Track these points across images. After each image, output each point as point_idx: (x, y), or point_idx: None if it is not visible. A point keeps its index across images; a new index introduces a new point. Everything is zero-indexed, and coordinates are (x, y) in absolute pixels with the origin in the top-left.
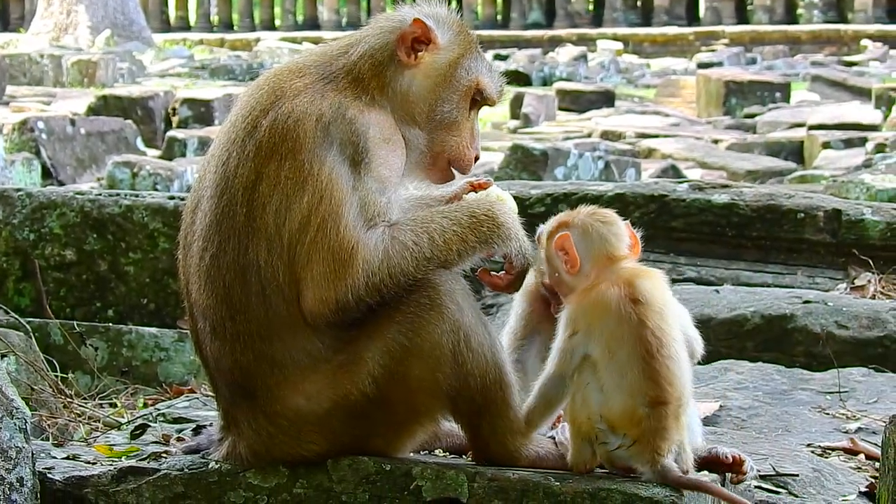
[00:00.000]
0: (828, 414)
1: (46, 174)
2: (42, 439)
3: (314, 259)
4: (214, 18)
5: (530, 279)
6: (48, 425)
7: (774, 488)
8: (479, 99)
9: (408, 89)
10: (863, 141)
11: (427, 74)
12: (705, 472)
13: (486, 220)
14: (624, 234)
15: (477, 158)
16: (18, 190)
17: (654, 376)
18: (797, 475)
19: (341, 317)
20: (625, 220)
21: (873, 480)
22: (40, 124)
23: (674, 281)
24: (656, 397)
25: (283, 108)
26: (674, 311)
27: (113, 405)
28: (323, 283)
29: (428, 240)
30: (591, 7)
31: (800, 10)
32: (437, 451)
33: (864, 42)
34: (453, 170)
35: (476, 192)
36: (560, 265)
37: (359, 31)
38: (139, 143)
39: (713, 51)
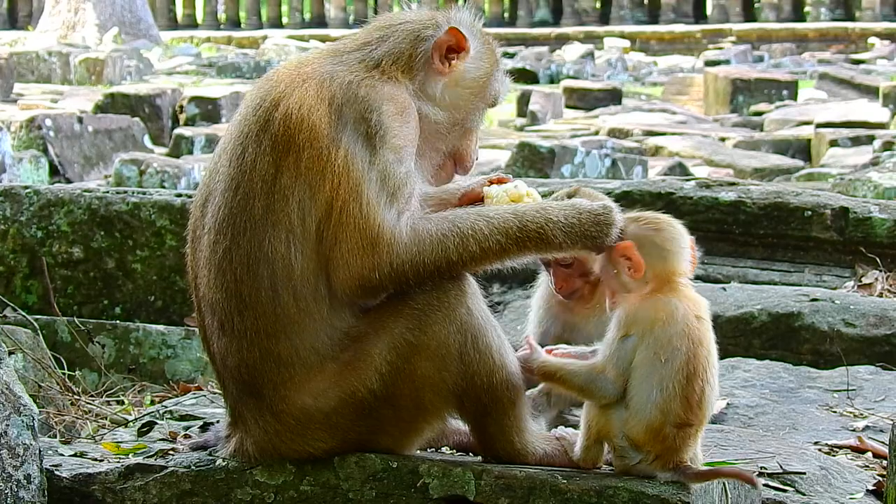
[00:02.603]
0: (835, 412)
1: (54, 172)
2: (49, 436)
3: (341, 238)
4: (222, 16)
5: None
6: (56, 422)
7: (782, 486)
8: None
9: (440, 96)
10: (870, 139)
11: (458, 83)
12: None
13: (535, 236)
14: (687, 250)
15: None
16: (26, 187)
17: (690, 397)
18: (804, 473)
19: (367, 296)
20: (691, 235)
21: (881, 479)
22: (48, 122)
23: None
24: (686, 420)
25: (293, 98)
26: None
27: (120, 402)
28: (350, 259)
29: (458, 240)
30: (598, 5)
31: (807, 8)
32: (443, 449)
33: (872, 40)
34: (452, 173)
35: (498, 186)
36: (622, 267)
37: (375, 30)
38: (146, 140)
39: (720, 48)
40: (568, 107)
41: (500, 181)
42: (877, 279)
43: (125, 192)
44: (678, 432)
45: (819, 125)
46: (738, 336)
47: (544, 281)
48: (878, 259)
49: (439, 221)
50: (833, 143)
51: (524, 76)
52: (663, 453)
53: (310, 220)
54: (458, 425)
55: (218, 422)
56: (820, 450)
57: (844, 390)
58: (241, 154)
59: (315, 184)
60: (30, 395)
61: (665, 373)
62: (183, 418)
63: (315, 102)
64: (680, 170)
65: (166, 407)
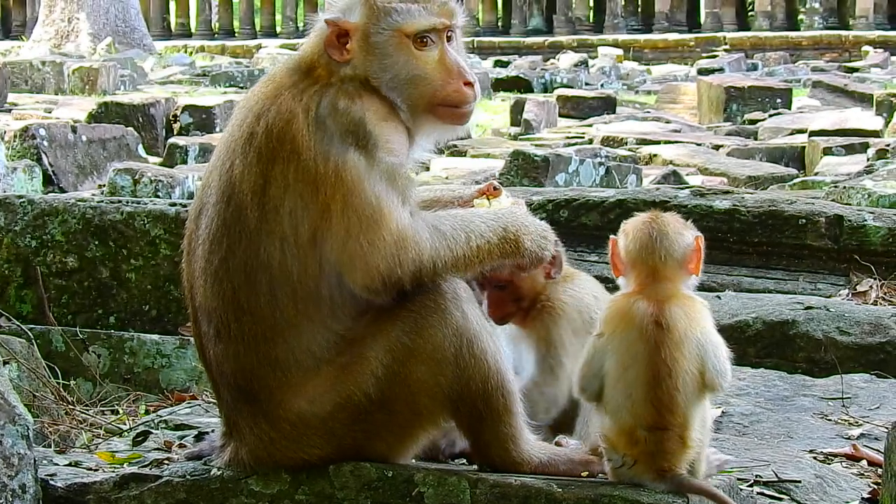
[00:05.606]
0: (830, 420)
1: (48, 181)
2: (44, 446)
3: (355, 237)
4: (215, 25)
5: None
6: (50, 432)
7: (777, 494)
8: (426, 38)
9: (370, 76)
10: (864, 147)
11: (364, 59)
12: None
13: (512, 240)
14: (674, 252)
15: (470, 84)
16: (20, 197)
17: (655, 403)
18: (799, 481)
19: (385, 294)
20: (702, 234)
21: (876, 487)
22: (42, 131)
23: None
24: (655, 423)
25: (271, 111)
26: (697, 343)
27: (115, 412)
28: (371, 257)
29: (465, 238)
30: (591, 13)
31: (801, 17)
32: (439, 458)
33: (865, 48)
34: (457, 112)
35: (489, 200)
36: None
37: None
38: (140, 150)
39: (714, 57)
40: (562, 115)
41: (490, 193)
42: (871, 287)
43: (119, 201)
44: (650, 436)
45: (813, 133)
46: (733, 344)
47: None
48: (872, 267)
49: (448, 219)
50: (827, 152)
51: (518, 84)
52: (640, 457)
53: (303, 228)
54: (455, 434)
55: (213, 431)
56: (815, 458)
57: (839, 398)
58: (229, 167)
59: (306, 194)
60: (24, 405)
61: (629, 378)
62: (178, 428)
63: (292, 114)
64: (674, 178)
65: (161, 416)
